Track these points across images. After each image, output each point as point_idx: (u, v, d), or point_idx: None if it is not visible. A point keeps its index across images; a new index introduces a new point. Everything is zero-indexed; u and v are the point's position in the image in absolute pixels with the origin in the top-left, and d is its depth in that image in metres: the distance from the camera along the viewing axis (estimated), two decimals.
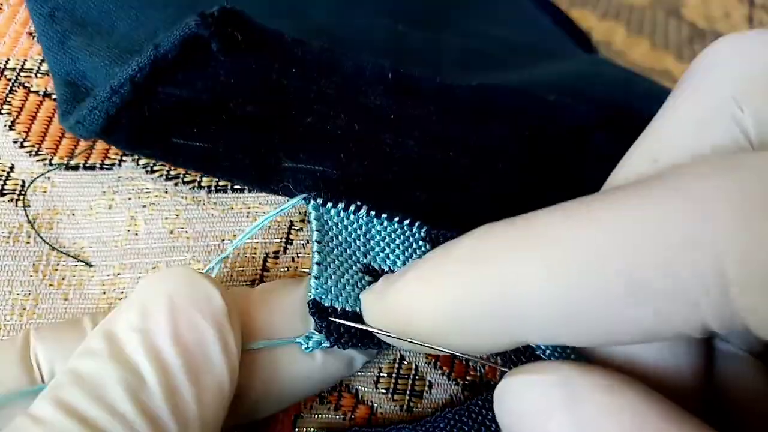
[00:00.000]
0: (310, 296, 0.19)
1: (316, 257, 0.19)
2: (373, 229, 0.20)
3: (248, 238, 0.22)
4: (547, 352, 0.18)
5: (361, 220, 0.20)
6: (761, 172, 0.12)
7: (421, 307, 0.16)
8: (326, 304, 0.18)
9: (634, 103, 0.20)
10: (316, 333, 0.18)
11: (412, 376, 0.21)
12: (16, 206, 0.22)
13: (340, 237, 0.20)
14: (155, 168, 0.23)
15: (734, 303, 0.12)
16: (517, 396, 0.15)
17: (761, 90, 0.15)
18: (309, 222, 0.20)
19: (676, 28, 0.44)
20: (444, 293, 0.15)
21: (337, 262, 0.20)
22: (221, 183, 0.23)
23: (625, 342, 0.14)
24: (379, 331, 0.17)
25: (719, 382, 0.16)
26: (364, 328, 0.18)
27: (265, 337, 0.18)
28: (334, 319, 0.18)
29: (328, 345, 0.18)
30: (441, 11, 0.32)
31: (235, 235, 0.22)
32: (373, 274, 0.20)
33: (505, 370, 0.16)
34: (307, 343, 0.18)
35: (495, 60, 0.29)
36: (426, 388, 0.21)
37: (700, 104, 0.16)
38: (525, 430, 0.15)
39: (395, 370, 0.21)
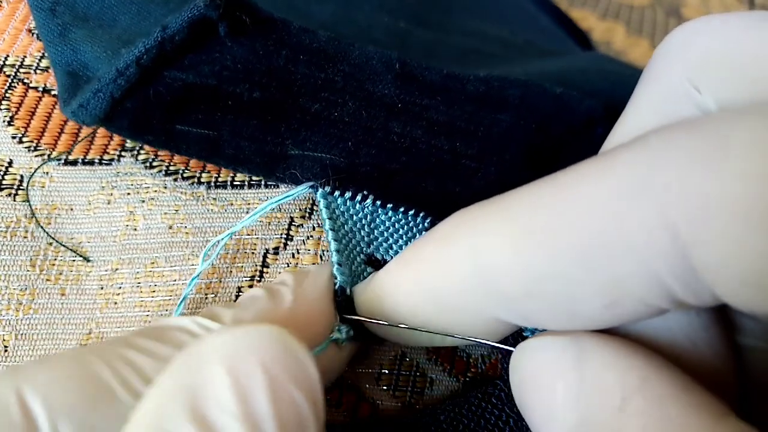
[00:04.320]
0: (337, 284, 0.19)
1: (334, 245, 0.19)
2: (377, 219, 0.20)
3: (248, 234, 0.22)
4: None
5: (366, 209, 0.20)
6: (720, 126, 0.12)
7: (402, 290, 0.16)
8: (348, 293, 0.18)
9: None
10: (343, 325, 0.18)
11: (413, 373, 0.21)
12: (14, 201, 0.22)
13: (346, 226, 0.20)
14: (154, 163, 0.23)
15: (693, 262, 0.11)
16: (530, 358, 0.15)
17: (717, 69, 0.14)
18: (318, 210, 0.20)
19: None
20: (421, 273, 0.15)
21: (347, 250, 0.20)
22: (221, 179, 0.23)
23: (592, 320, 0.14)
24: (377, 322, 0.17)
25: (749, 379, 0.15)
26: (370, 321, 0.18)
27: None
28: (348, 316, 0.18)
29: (353, 334, 0.18)
30: (442, 10, 0.32)
31: (234, 232, 0.22)
32: (375, 265, 0.20)
33: (509, 348, 0.16)
34: (341, 336, 0.18)
35: (496, 59, 0.29)
36: (427, 385, 0.21)
37: (659, 92, 0.16)
38: (535, 390, 0.14)
39: (396, 368, 0.21)
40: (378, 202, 0.20)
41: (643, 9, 0.45)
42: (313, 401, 0.14)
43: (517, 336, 0.18)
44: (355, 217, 0.20)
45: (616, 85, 0.26)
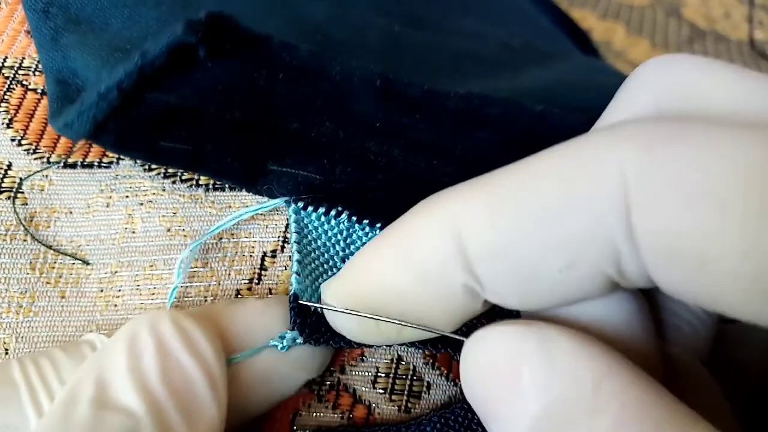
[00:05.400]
0: (292, 290, 0.19)
1: (296, 256, 0.20)
2: (354, 234, 0.21)
3: (246, 237, 0.22)
4: None
5: (342, 225, 0.21)
6: (677, 120, 0.13)
7: (380, 267, 0.16)
8: (304, 302, 0.19)
9: None
10: (289, 331, 0.19)
11: (409, 377, 0.21)
12: (13, 204, 0.22)
13: (319, 241, 0.20)
14: (153, 166, 0.23)
15: (633, 222, 0.13)
16: (488, 345, 0.15)
17: (683, 99, 0.15)
18: (288, 224, 0.20)
19: (676, 28, 0.44)
20: (401, 246, 0.16)
21: (314, 264, 0.20)
22: (219, 181, 0.23)
23: (550, 287, 0.14)
24: (347, 311, 0.17)
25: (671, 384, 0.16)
26: (334, 309, 0.17)
27: (241, 347, 0.18)
28: (304, 302, 0.18)
29: (302, 341, 0.18)
30: (440, 11, 0.32)
31: (233, 234, 0.22)
32: None
33: (463, 339, 0.16)
34: (282, 343, 0.19)
35: (490, 63, 0.29)
36: (424, 389, 0.21)
37: (628, 112, 0.17)
38: (495, 378, 0.15)
39: (392, 370, 0.21)
40: (354, 218, 0.20)
41: (643, 9, 0.45)
42: (204, 365, 0.17)
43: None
44: (329, 233, 0.20)
45: (606, 99, 0.26)
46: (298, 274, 0.19)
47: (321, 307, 0.18)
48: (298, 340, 0.19)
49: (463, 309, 0.16)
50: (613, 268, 0.13)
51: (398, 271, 0.16)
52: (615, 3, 0.45)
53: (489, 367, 0.15)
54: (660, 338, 0.17)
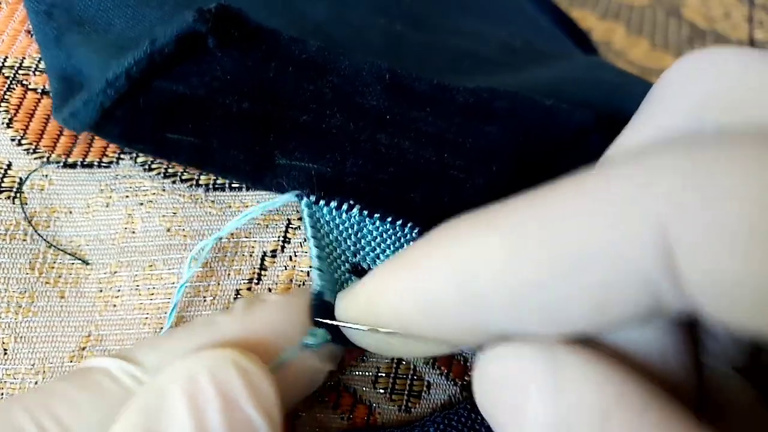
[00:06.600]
0: (315, 289, 0.19)
1: (315, 251, 0.19)
2: (365, 229, 0.21)
3: (245, 236, 0.22)
4: None
5: (353, 219, 0.20)
6: (720, 146, 0.12)
7: (389, 296, 0.16)
8: (326, 298, 0.18)
9: (631, 107, 0.20)
10: (318, 328, 0.18)
11: (410, 377, 0.21)
12: (13, 204, 0.22)
13: (331, 236, 0.20)
14: (153, 166, 0.23)
15: (679, 266, 0.12)
16: (499, 362, 0.15)
17: (720, 109, 0.14)
18: (302, 219, 0.20)
19: (676, 28, 0.44)
20: (410, 280, 0.15)
21: (329, 259, 0.20)
22: (219, 181, 0.23)
23: (578, 325, 0.14)
24: (362, 328, 0.17)
25: (706, 396, 0.16)
26: (351, 326, 0.17)
27: (275, 349, 0.18)
28: (320, 320, 0.18)
29: (330, 338, 0.18)
30: (441, 10, 0.32)
31: (233, 233, 0.22)
32: (361, 275, 0.20)
33: None
34: (314, 341, 0.18)
35: (492, 63, 0.29)
36: (425, 389, 0.21)
37: (661, 121, 0.16)
38: (504, 395, 0.14)
39: (393, 370, 0.21)
40: (365, 212, 0.20)
41: (643, 9, 0.45)
42: (268, 416, 0.15)
43: None
44: (341, 227, 0.20)
45: (609, 95, 0.26)
46: (320, 270, 0.19)
47: (339, 325, 0.18)
48: (328, 337, 0.18)
49: (481, 342, 0.15)
50: (649, 310, 0.13)
51: (412, 312, 0.15)
52: (615, 3, 0.45)
53: (499, 382, 0.15)
54: (695, 347, 0.16)
